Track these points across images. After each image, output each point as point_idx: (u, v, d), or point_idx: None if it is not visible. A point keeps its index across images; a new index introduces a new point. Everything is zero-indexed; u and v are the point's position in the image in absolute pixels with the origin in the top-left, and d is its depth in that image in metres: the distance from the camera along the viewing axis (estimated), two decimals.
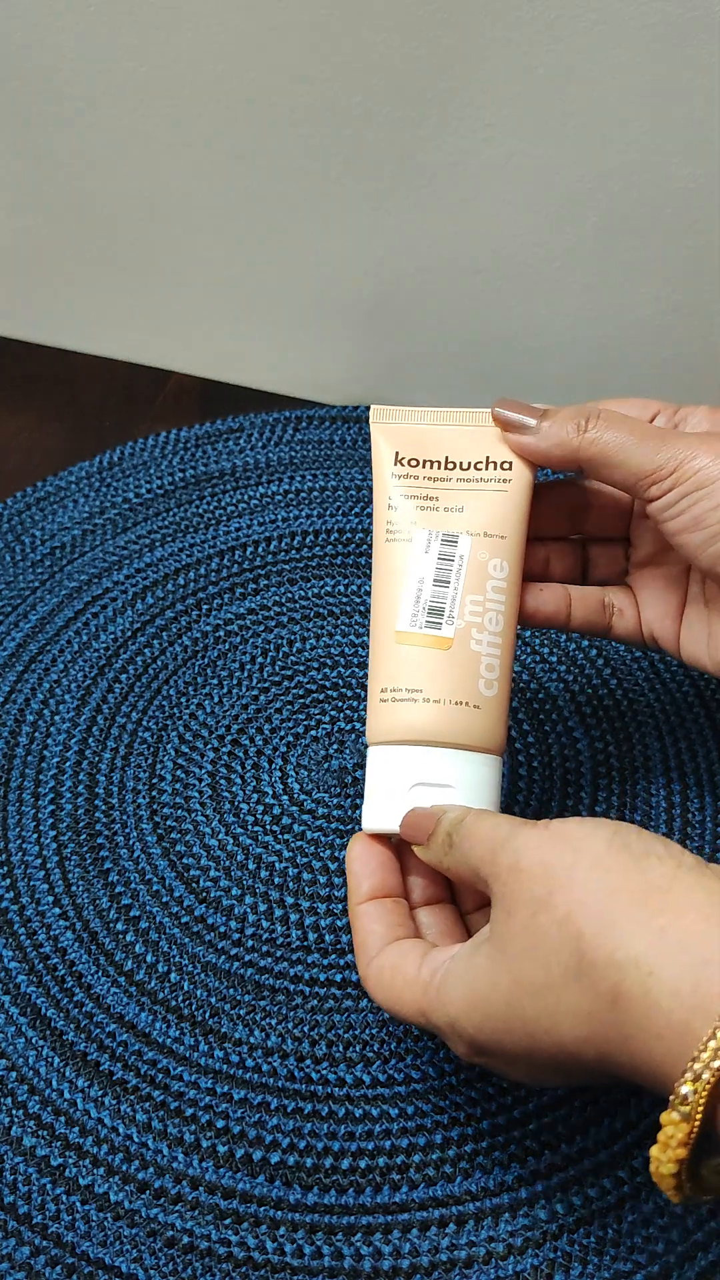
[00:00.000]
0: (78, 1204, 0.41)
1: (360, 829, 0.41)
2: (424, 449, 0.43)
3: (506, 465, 0.42)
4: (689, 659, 0.45)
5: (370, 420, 0.44)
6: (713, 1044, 0.29)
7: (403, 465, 0.43)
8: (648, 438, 0.40)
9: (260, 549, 0.62)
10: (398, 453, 0.43)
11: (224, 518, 0.63)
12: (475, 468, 0.42)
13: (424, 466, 0.43)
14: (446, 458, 0.43)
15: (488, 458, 0.42)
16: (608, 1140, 0.42)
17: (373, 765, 0.41)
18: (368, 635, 0.45)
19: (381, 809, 0.40)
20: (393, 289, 0.66)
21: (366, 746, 0.42)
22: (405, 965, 0.37)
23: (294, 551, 0.62)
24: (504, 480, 0.42)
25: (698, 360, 0.64)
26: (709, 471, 0.39)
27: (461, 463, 0.42)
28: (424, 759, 0.40)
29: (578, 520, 0.46)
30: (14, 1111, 0.43)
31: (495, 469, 0.42)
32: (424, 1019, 0.36)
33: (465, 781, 0.40)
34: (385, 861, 0.40)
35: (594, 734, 0.54)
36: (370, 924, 0.39)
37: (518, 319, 0.65)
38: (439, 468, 0.43)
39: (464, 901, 0.41)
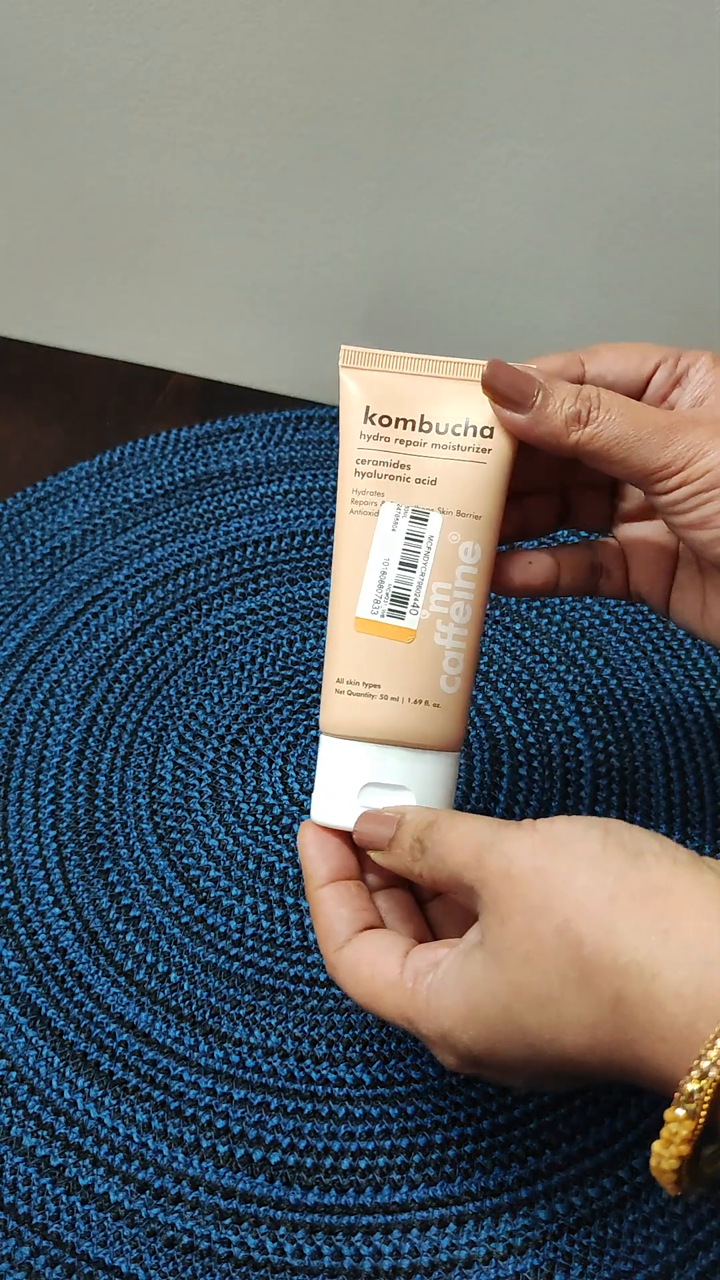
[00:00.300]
0: (78, 1204, 0.41)
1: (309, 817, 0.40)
2: (399, 404, 0.39)
3: (487, 432, 0.38)
4: (679, 622, 0.43)
5: (340, 364, 0.39)
6: None
7: (373, 424, 0.39)
8: (653, 431, 0.37)
9: (260, 549, 0.62)
10: (369, 407, 0.39)
11: (224, 518, 0.63)
12: (454, 432, 0.38)
13: (396, 426, 0.39)
14: (422, 416, 0.39)
15: (467, 420, 0.38)
16: (608, 1140, 0.42)
17: (325, 757, 0.39)
18: None
19: (332, 805, 0.39)
20: (392, 289, 0.66)
21: (320, 733, 0.40)
22: (384, 964, 0.36)
23: (294, 551, 0.62)
24: (483, 450, 0.38)
25: None
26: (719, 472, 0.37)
27: (438, 424, 0.38)
28: (378, 758, 0.38)
29: (567, 469, 0.43)
30: (14, 1111, 0.43)
31: (475, 435, 0.38)
32: (408, 1025, 0.36)
33: (420, 781, 0.39)
34: (341, 845, 0.39)
35: (594, 734, 0.54)
36: (335, 908, 0.38)
37: (518, 319, 0.65)
38: (413, 428, 0.39)
39: (420, 889, 0.40)
